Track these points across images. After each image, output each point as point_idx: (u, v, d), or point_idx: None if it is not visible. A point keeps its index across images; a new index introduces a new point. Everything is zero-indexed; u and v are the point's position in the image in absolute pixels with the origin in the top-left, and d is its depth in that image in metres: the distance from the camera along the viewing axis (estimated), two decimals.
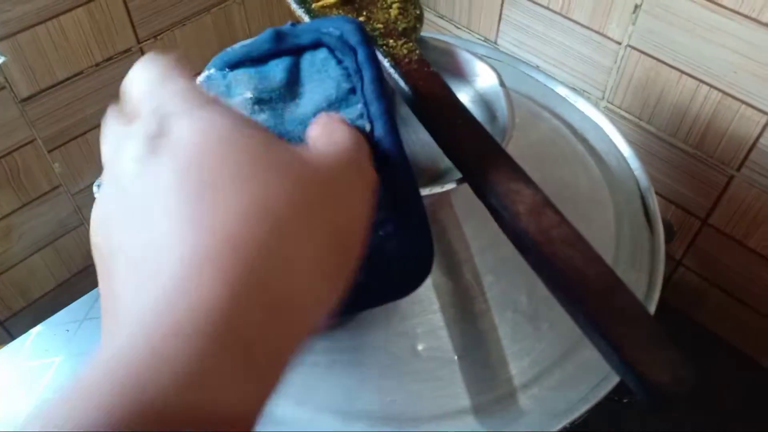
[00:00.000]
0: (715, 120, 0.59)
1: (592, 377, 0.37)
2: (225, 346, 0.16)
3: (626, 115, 0.65)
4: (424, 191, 0.34)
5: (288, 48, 0.32)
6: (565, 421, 0.36)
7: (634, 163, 0.48)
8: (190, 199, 0.18)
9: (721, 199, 0.62)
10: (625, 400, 0.41)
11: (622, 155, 0.49)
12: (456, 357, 0.36)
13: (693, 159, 0.62)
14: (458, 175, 0.34)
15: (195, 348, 0.16)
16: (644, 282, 0.43)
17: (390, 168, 0.28)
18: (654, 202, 0.45)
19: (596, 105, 0.67)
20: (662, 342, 0.27)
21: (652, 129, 0.64)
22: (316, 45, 0.32)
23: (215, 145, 0.19)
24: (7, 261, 0.75)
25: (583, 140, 0.50)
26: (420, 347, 0.37)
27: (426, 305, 0.38)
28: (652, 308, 0.41)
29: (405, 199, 0.29)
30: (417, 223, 0.29)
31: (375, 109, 0.29)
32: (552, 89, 0.53)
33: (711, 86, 0.57)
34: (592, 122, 0.51)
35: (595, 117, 0.50)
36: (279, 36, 0.32)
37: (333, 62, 0.31)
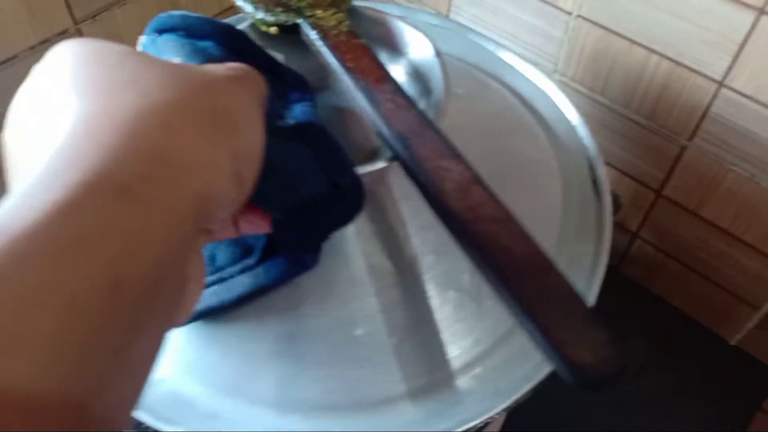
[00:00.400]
0: (666, 90, 0.58)
1: (537, 355, 0.36)
2: (102, 189, 0.17)
3: (579, 87, 0.64)
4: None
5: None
6: (508, 401, 0.35)
7: (583, 132, 0.47)
8: (78, 74, 0.20)
9: (674, 169, 0.62)
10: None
11: (571, 124, 0.48)
12: (396, 340, 0.35)
13: (646, 130, 0.62)
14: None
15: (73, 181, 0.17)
16: (591, 253, 0.42)
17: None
18: (602, 172, 0.45)
19: (549, 77, 0.66)
20: (588, 322, 0.26)
21: (604, 101, 0.63)
22: None
23: (105, 45, 0.22)
24: None
25: (533, 110, 0.49)
26: (358, 332, 0.35)
27: (365, 288, 0.36)
28: (598, 280, 0.40)
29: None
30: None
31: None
32: (501, 58, 0.51)
33: (661, 55, 0.56)
34: (541, 91, 0.50)
35: (545, 86, 0.49)
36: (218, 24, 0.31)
37: None
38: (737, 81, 0.53)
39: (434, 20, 0.53)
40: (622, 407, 0.60)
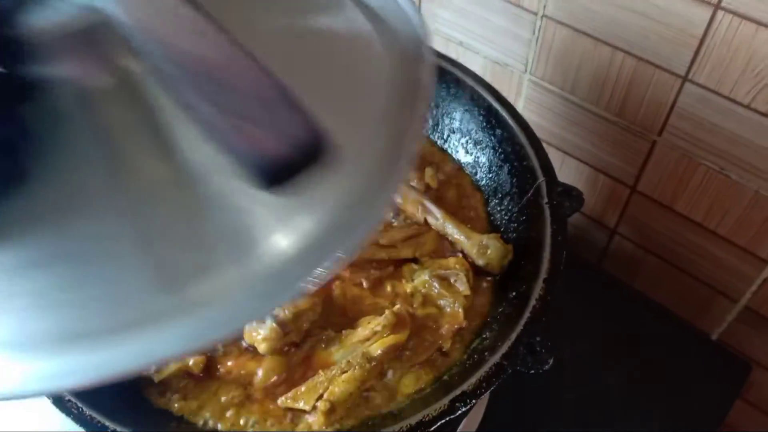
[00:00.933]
0: (633, 86, 0.58)
1: None
2: None
3: (550, 86, 0.64)
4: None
5: None
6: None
7: (412, 12, 0.43)
8: None
9: (646, 165, 0.62)
10: (531, 372, 0.41)
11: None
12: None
13: (616, 127, 0.62)
14: None
15: None
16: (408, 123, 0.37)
17: None
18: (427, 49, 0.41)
19: (520, 79, 0.66)
20: (276, 105, 0.23)
21: (575, 99, 0.63)
22: None
23: None
24: None
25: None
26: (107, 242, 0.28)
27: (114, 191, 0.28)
28: (411, 148, 0.35)
29: None
30: None
31: None
32: None
33: (626, 52, 0.56)
34: None
35: None
36: None
37: None
38: (700, 75, 0.53)
39: None
40: (602, 404, 0.60)
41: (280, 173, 0.23)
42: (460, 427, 0.52)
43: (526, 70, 0.65)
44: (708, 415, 0.59)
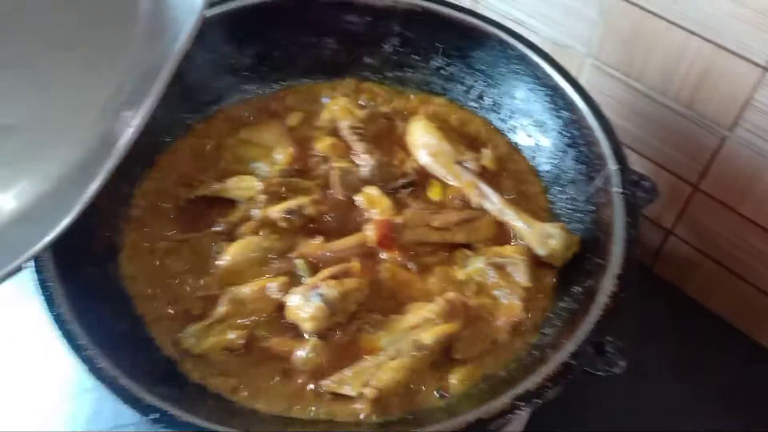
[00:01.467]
0: (707, 76, 0.54)
1: None
2: None
3: (614, 72, 0.60)
4: None
5: None
6: None
7: None
8: None
9: (713, 162, 0.58)
10: (599, 374, 0.37)
11: None
12: None
13: (684, 119, 0.58)
14: None
15: None
16: None
17: None
18: None
19: (582, 63, 0.63)
20: None
21: (641, 87, 0.59)
22: None
23: None
24: None
25: None
26: None
27: None
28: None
29: None
30: None
31: None
32: None
33: (702, 38, 0.52)
34: None
35: None
36: None
37: None
38: None
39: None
40: (647, 410, 0.57)
41: None
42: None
43: (589, 54, 0.61)
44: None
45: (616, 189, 0.43)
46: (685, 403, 0.57)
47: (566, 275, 0.45)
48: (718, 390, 0.58)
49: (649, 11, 0.54)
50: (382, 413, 0.38)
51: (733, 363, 0.60)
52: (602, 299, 0.38)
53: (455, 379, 0.40)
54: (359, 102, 0.57)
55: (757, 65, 0.50)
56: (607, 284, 0.39)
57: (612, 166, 0.44)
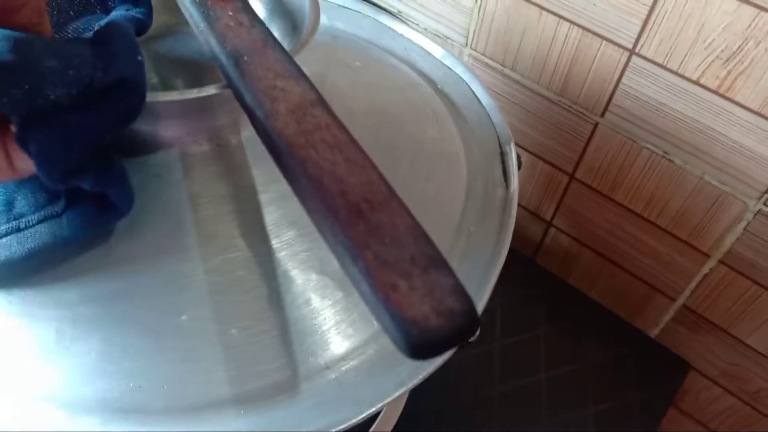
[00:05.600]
0: (577, 61, 0.54)
1: None
2: None
3: (490, 62, 0.60)
4: (167, 96, 0.27)
5: None
6: (369, 410, 0.28)
7: (496, 117, 0.43)
8: None
9: (586, 150, 0.58)
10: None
11: (484, 109, 0.43)
12: (232, 330, 0.28)
13: (557, 107, 0.57)
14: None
15: None
16: (492, 242, 0.37)
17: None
18: (513, 159, 0.40)
19: (460, 53, 0.62)
20: (430, 265, 0.20)
21: (516, 76, 0.59)
22: None
23: None
24: None
25: (443, 94, 0.44)
26: (183, 318, 0.28)
27: (195, 264, 0.29)
28: (496, 269, 0.35)
29: None
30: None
31: None
32: (414, 42, 0.46)
33: (571, 22, 0.52)
34: (455, 75, 0.45)
35: (459, 70, 0.45)
36: None
37: None
38: (648, 48, 0.49)
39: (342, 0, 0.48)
40: (531, 401, 0.55)
41: (426, 345, 0.19)
42: (374, 427, 0.46)
43: (467, 44, 0.60)
44: (642, 418, 0.55)
45: None
46: (567, 387, 0.56)
47: None
48: (598, 373, 0.57)
49: None
50: None
51: (613, 350, 0.60)
52: None
53: None
54: None
55: (624, 47, 0.50)
56: None
57: None
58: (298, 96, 0.25)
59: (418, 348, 0.19)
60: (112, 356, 0.26)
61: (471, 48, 0.60)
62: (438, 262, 0.20)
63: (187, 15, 0.29)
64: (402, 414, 0.49)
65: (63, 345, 0.26)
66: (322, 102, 0.25)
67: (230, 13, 0.28)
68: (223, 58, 0.26)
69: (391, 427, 0.48)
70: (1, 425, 0.26)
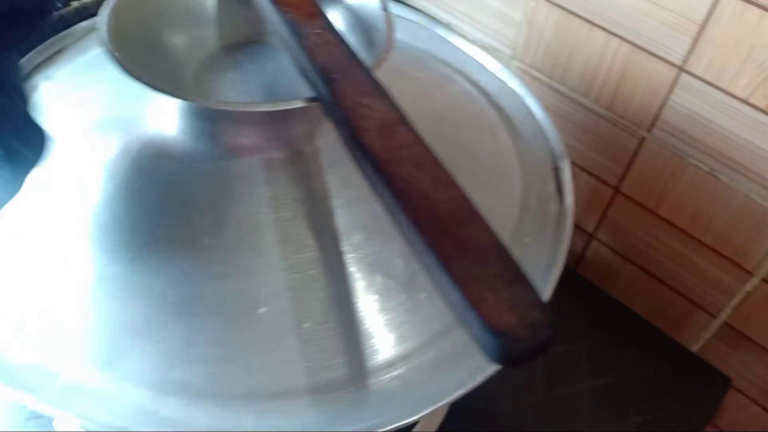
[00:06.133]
0: (626, 77, 0.55)
1: (473, 359, 0.31)
2: None
3: (538, 75, 0.61)
4: (259, 107, 0.29)
5: None
6: (429, 409, 0.30)
7: (551, 133, 0.44)
8: None
9: (632, 164, 0.59)
10: None
11: (538, 123, 0.45)
12: (307, 325, 0.30)
13: (605, 121, 0.58)
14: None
15: None
16: (546, 255, 0.38)
17: None
18: (567, 174, 0.41)
19: (508, 65, 0.63)
20: (513, 280, 0.22)
21: (564, 89, 0.60)
22: None
23: None
24: None
25: (498, 107, 0.46)
26: (262, 310, 0.30)
27: (274, 261, 0.31)
28: (551, 283, 0.36)
29: None
30: None
31: None
32: (469, 54, 0.48)
33: (621, 38, 0.53)
34: (510, 89, 0.47)
35: (513, 84, 0.47)
36: None
37: None
38: (697, 66, 0.50)
39: (397, 10, 0.50)
40: (573, 412, 0.56)
41: (514, 353, 0.21)
42: (418, 427, 0.47)
43: (514, 56, 0.62)
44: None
45: None
46: (607, 399, 0.57)
47: None
48: (638, 386, 0.58)
49: (573, 12, 0.55)
50: None
51: (652, 364, 0.60)
52: None
53: None
54: None
55: (673, 65, 0.51)
56: None
57: None
58: (383, 114, 0.27)
59: (507, 356, 0.20)
60: (197, 342, 0.28)
61: (519, 61, 0.62)
62: (520, 277, 0.22)
63: (274, 31, 0.31)
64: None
65: (151, 330, 0.29)
66: (406, 121, 0.27)
67: (317, 31, 0.30)
68: (313, 74, 0.28)
69: (435, 428, 0.49)
70: (89, 401, 0.28)
